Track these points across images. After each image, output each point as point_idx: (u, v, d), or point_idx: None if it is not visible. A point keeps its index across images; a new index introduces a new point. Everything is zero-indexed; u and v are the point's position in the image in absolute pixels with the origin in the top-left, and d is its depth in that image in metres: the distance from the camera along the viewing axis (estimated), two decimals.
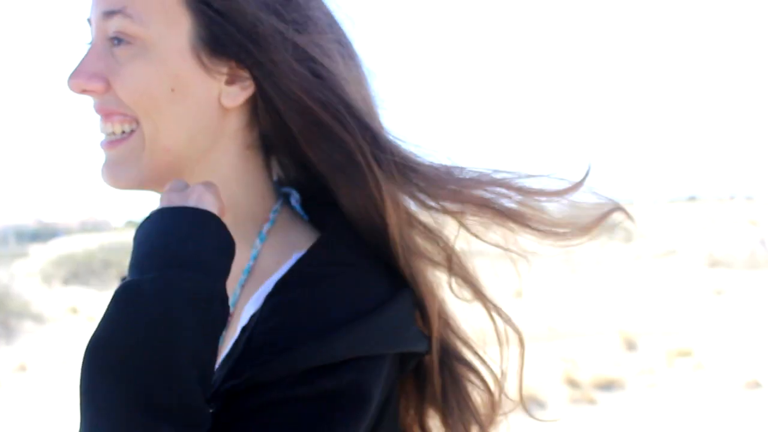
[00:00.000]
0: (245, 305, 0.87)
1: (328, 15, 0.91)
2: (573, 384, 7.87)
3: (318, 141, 0.86)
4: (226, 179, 0.89)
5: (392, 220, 0.85)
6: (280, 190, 0.95)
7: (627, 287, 14.61)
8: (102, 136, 0.89)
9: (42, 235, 28.43)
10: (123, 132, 0.87)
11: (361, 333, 0.77)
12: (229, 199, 0.89)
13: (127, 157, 0.87)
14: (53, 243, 23.95)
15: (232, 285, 0.88)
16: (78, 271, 18.98)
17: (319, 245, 0.84)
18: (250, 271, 0.89)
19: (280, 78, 0.84)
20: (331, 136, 0.84)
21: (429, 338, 0.91)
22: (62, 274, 18.81)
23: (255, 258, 0.89)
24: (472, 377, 1.01)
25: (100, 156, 0.90)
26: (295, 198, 0.96)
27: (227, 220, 0.88)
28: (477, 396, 1.02)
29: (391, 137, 0.87)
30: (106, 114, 0.87)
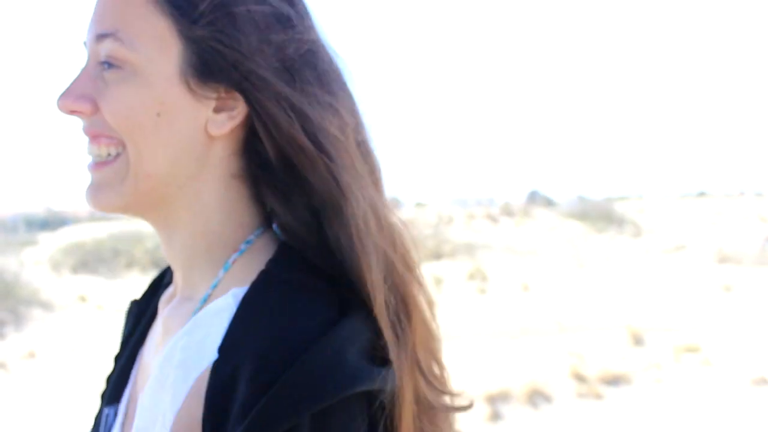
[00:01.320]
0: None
1: (324, 48, 0.91)
2: (580, 378, 7.86)
3: (304, 169, 0.85)
4: (206, 207, 0.89)
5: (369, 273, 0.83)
6: (264, 221, 0.93)
7: (635, 282, 14.58)
8: (89, 159, 0.90)
9: (51, 223, 28.55)
10: (109, 155, 0.87)
11: (294, 390, 0.73)
12: (206, 227, 0.89)
13: (111, 180, 0.87)
14: (62, 231, 24.07)
15: (188, 312, 0.89)
16: (87, 260, 19.07)
17: (252, 289, 0.83)
18: (206, 300, 0.88)
19: (269, 106, 0.85)
20: (314, 168, 0.85)
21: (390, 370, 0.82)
22: (71, 262, 18.91)
23: (214, 287, 0.88)
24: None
25: (86, 178, 0.91)
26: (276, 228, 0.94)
27: (200, 247, 0.89)
28: None
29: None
30: (93, 136, 0.88)
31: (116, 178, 0.87)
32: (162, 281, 1.09)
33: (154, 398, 0.83)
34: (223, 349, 0.78)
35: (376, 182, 0.91)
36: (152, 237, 20.27)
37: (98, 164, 0.88)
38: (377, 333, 0.82)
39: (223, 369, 0.77)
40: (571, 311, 11.71)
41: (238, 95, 0.86)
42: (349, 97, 0.91)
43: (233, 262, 0.88)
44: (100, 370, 8.95)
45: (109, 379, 1.04)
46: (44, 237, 22.96)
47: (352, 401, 0.77)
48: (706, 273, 15.71)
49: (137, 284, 16.59)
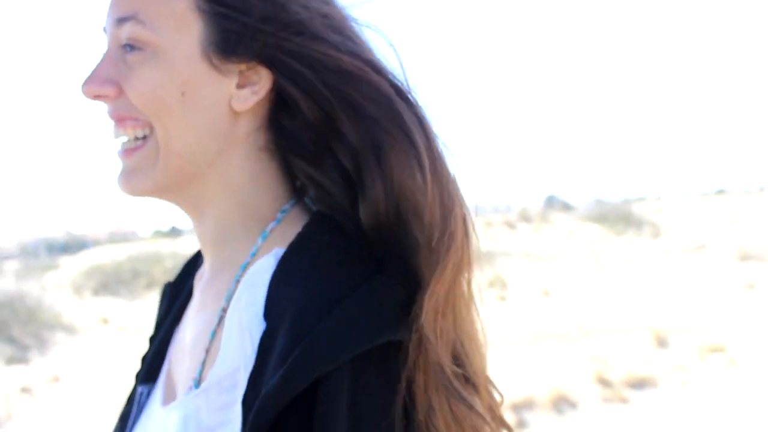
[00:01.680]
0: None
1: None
2: (604, 383, 7.80)
3: (361, 105, 0.86)
4: (237, 182, 0.91)
5: (429, 194, 0.84)
6: (295, 191, 0.95)
7: (656, 283, 14.47)
8: (118, 145, 0.91)
9: (71, 246, 28.79)
10: (136, 138, 0.89)
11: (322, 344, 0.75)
12: (239, 201, 0.91)
13: (143, 164, 0.88)
14: (83, 254, 24.23)
15: (224, 284, 0.90)
16: (108, 282, 19.20)
17: (290, 249, 0.85)
18: (245, 267, 0.89)
19: (303, 56, 0.86)
20: (375, 95, 0.86)
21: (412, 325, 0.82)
22: (92, 285, 19.03)
23: (253, 255, 0.89)
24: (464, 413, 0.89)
25: (117, 164, 0.92)
26: (310, 197, 0.96)
27: (235, 221, 0.91)
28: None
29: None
30: (118, 119, 0.89)
31: (147, 161, 0.88)
32: (196, 263, 1.11)
33: (233, 355, 0.83)
34: (266, 312, 0.80)
35: (426, 131, 0.89)
36: (171, 257, 20.39)
37: (128, 151, 0.89)
38: (412, 292, 0.82)
39: (266, 330, 0.79)
40: (593, 315, 11.63)
41: (260, 69, 0.87)
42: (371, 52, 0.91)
43: (271, 231, 0.90)
44: (124, 391, 8.99)
45: (144, 359, 1.06)
46: (65, 260, 23.13)
47: (389, 351, 0.79)
48: (728, 271, 15.56)
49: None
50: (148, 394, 0.99)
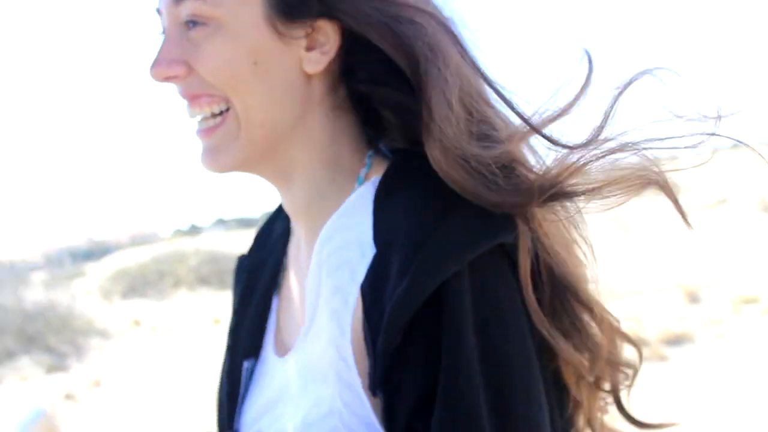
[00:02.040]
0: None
1: None
2: (642, 342, 7.79)
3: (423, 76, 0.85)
4: (320, 142, 0.91)
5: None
6: (371, 141, 0.97)
7: (682, 241, 14.41)
8: (194, 125, 0.90)
9: (95, 253, 29.01)
10: (213, 114, 0.88)
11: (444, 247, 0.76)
12: (325, 160, 0.92)
13: (226, 140, 0.88)
14: (106, 259, 24.41)
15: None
16: (135, 284, 19.34)
17: (386, 174, 0.87)
18: None
19: (366, 16, 0.85)
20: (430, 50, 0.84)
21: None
22: (120, 288, 19.19)
23: None
24: (587, 315, 0.97)
25: (197, 144, 0.91)
26: (383, 144, 0.98)
27: (324, 180, 0.92)
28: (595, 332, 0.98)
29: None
30: (192, 97, 0.88)
31: (229, 137, 0.88)
32: (271, 232, 1.11)
33: (320, 280, 0.86)
34: (375, 235, 0.82)
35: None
36: (194, 255, 20.49)
37: (208, 130, 0.89)
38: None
39: (378, 250, 0.81)
40: (622, 277, 11.63)
41: (326, 28, 0.87)
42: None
43: (365, 176, 0.92)
44: (164, 390, 9.09)
45: (234, 333, 1.06)
46: (90, 267, 23.31)
47: (501, 252, 0.81)
48: (752, 223, 15.47)
49: (187, 302, 16.80)
50: (253, 369, 0.99)
